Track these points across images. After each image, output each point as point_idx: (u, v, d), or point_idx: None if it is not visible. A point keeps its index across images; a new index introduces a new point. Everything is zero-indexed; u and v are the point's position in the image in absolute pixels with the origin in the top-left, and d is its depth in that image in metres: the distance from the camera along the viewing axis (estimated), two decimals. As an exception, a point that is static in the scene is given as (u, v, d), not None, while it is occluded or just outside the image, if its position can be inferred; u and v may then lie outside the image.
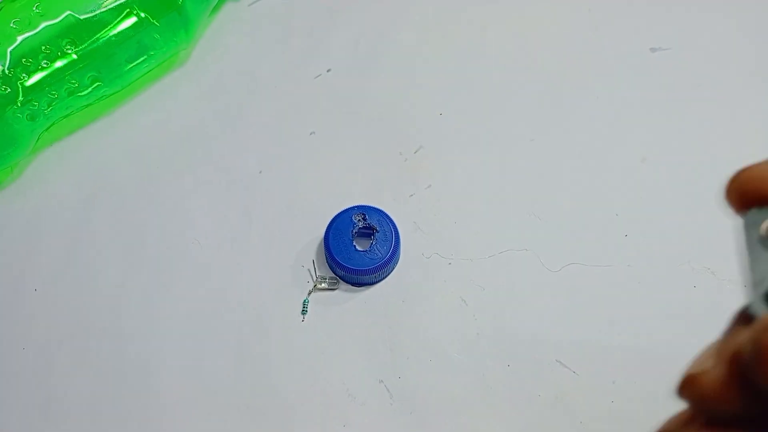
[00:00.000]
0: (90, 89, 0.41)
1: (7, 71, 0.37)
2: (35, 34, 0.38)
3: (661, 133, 0.42)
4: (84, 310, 0.38)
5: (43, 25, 0.38)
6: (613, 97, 0.43)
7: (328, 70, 0.45)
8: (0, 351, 0.38)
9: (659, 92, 0.44)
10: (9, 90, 0.38)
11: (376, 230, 0.37)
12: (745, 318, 0.17)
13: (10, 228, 0.41)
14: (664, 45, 0.45)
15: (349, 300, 0.38)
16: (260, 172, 0.42)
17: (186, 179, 0.42)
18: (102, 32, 0.40)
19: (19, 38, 0.38)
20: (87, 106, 0.42)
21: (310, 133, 0.43)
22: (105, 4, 0.39)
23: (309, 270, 0.38)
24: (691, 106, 0.43)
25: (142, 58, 0.42)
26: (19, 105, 0.38)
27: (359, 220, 0.38)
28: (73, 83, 0.40)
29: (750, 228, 0.18)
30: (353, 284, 0.38)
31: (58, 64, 0.39)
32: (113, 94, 0.43)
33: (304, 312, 0.37)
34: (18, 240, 0.41)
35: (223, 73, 0.46)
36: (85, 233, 0.40)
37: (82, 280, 0.39)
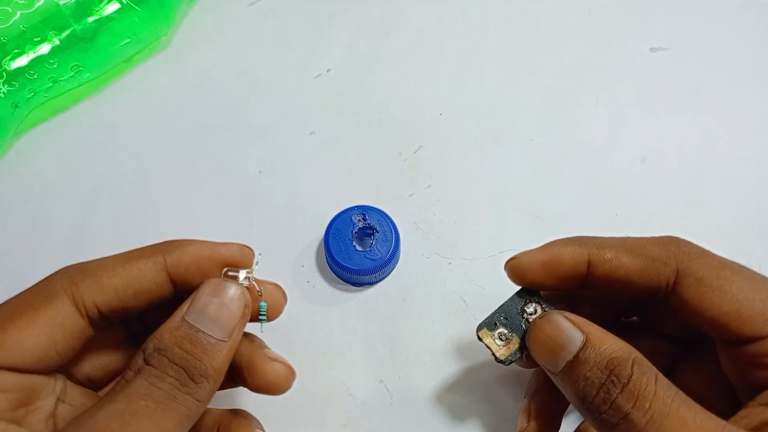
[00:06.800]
0: (72, 74, 0.41)
1: (-12, 57, 0.38)
2: (17, 20, 0.38)
3: (660, 133, 0.42)
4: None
5: (24, 11, 0.38)
6: (612, 97, 0.44)
7: (328, 70, 0.45)
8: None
9: (659, 92, 0.44)
10: (-10, 75, 0.38)
11: (376, 230, 0.37)
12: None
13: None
14: (664, 45, 0.45)
15: (349, 300, 0.38)
16: (260, 172, 0.42)
17: (186, 179, 0.42)
18: (84, 18, 0.40)
19: (1, 25, 0.38)
20: (69, 90, 0.43)
21: (310, 133, 0.43)
22: (87, -11, 0.40)
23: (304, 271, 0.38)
24: (691, 106, 0.43)
25: (124, 42, 0.42)
26: (2, 90, 0.39)
27: (359, 220, 0.38)
28: (55, 67, 0.40)
29: (516, 295, 0.28)
30: (353, 284, 0.38)
31: (41, 50, 0.39)
32: (94, 78, 0.44)
33: (261, 317, 0.29)
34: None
35: (223, 73, 0.46)
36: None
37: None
